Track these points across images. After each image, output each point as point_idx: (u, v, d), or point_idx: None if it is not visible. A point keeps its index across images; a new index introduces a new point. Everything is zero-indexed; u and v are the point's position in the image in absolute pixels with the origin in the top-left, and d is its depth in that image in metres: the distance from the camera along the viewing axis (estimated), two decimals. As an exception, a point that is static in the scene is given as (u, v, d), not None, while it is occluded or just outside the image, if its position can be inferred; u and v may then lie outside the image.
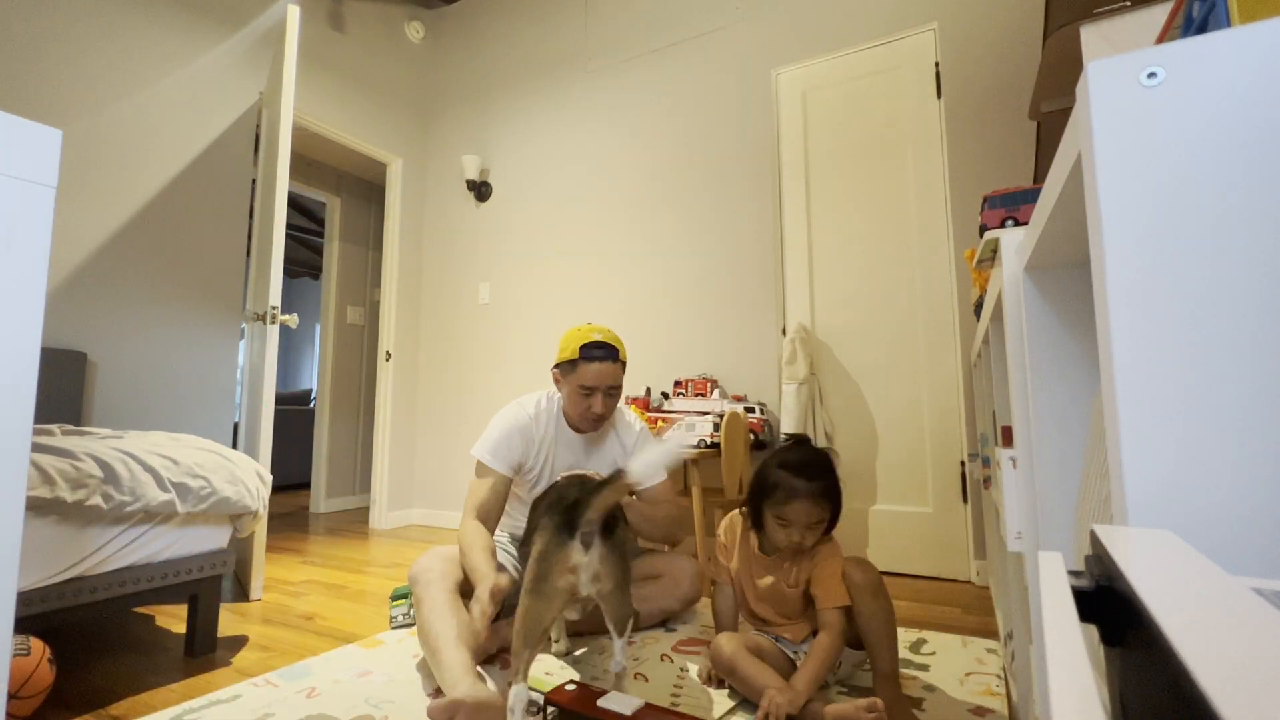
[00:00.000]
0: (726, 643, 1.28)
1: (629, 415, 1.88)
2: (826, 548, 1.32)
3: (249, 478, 1.62)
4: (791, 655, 1.31)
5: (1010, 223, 0.95)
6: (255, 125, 2.84)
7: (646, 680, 1.38)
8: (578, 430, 1.77)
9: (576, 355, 1.65)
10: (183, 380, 2.53)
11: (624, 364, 1.71)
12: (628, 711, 1.09)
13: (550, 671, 1.44)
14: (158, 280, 2.47)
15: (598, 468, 1.80)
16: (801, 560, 1.32)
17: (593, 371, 1.64)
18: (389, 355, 3.56)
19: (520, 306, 3.40)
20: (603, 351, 1.65)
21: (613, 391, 1.69)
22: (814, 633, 1.32)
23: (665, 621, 1.76)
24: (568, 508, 1.17)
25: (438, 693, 1.29)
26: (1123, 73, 0.35)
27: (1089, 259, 0.45)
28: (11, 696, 1.16)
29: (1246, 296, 0.31)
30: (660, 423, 2.42)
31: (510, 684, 1.12)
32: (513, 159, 3.54)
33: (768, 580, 1.35)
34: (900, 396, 2.44)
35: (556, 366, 1.71)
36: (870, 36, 2.62)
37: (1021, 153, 2.28)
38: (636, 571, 1.78)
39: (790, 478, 1.27)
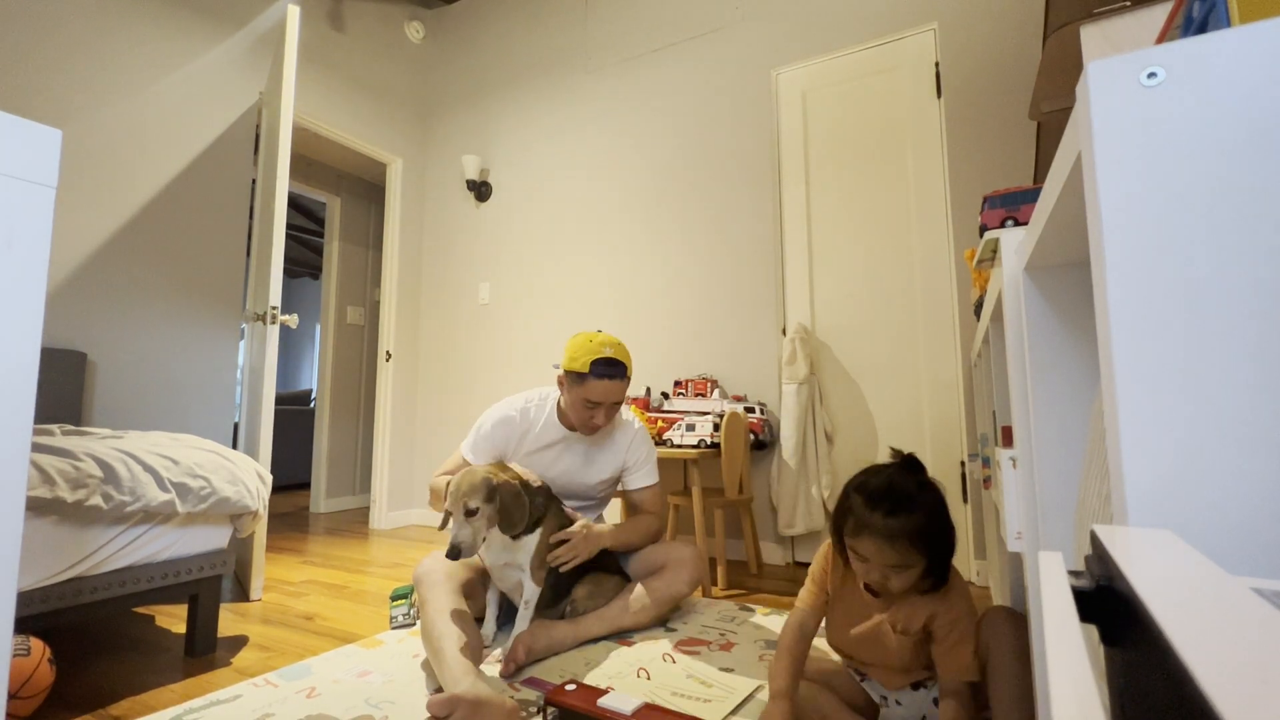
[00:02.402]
0: (805, 690, 1.11)
1: (625, 413, 1.91)
2: (953, 595, 1.05)
3: (249, 478, 1.62)
4: (878, 699, 1.14)
5: (1010, 223, 0.95)
6: (255, 125, 2.84)
7: (649, 678, 1.38)
8: (572, 429, 1.78)
9: (587, 370, 1.66)
10: (183, 380, 2.53)
11: (629, 379, 1.74)
12: (628, 711, 1.09)
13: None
14: (158, 280, 2.47)
15: (591, 464, 1.84)
16: (917, 604, 1.05)
17: (601, 389, 1.67)
18: (389, 355, 3.56)
19: (520, 306, 3.40)
20: (614, 370, 1.67)
21: (616, 405, 1.72)
22: (912, 685, 1.11)
23: (665, 621, 1.76)
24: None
25: (438, 692, 1.29)
26: (1123, 73, 0.35)
27: (1089, 259, 0.45)
28: (11, 696, 1.16)
29: (1246, 296, 0.31)
30: (660, 423, 2.42)
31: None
32: (513, 159, 3.54)
33: (871, 622, 1.09)
34: (900, 396, 2.44)
35: (564, 372, 1.72)
36: (870, 36, 2.62)
37: (1021, 153, 2.28)
38: (640, 567, 1.79)
39: (863, 506, 1.02)
